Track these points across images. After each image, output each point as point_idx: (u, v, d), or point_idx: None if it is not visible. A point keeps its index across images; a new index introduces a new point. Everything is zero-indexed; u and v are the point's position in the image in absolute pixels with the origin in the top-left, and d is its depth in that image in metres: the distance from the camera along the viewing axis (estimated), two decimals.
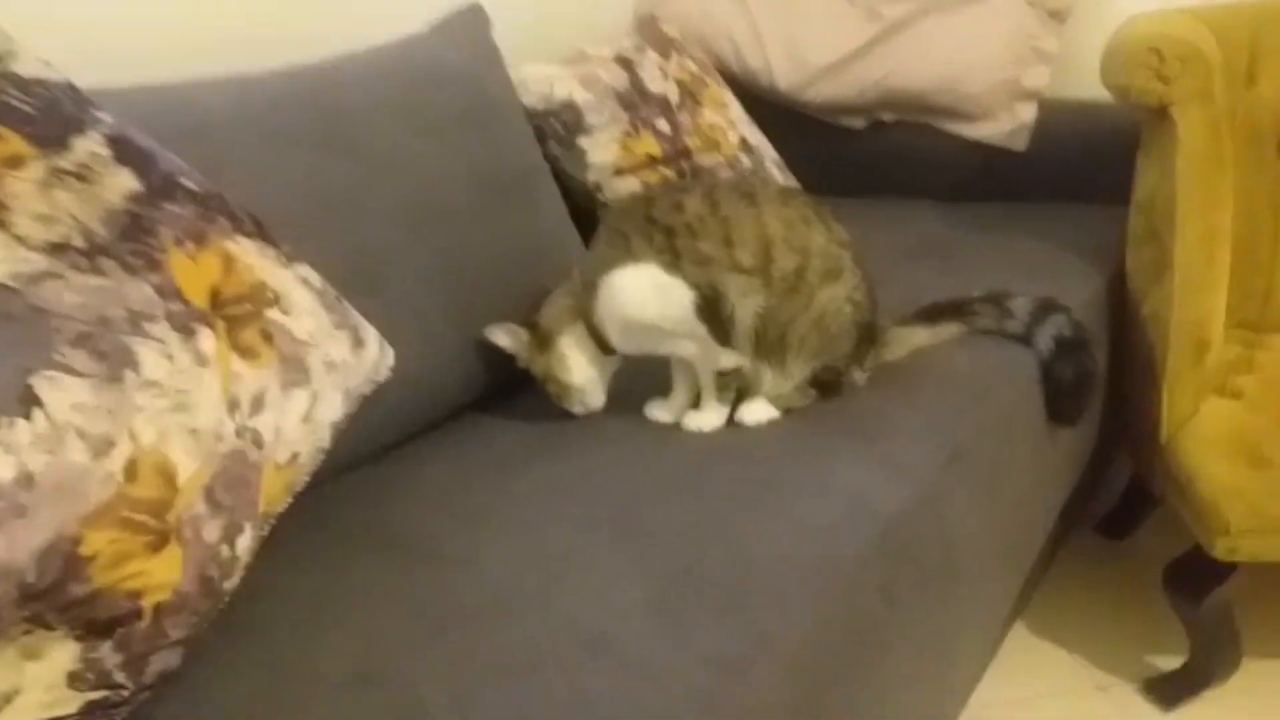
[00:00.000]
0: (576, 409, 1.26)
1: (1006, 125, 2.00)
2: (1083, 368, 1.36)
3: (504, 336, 1.25)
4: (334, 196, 1.18)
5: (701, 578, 0.92)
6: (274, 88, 1.21)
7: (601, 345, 1.23)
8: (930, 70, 2.01)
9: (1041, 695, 1.57)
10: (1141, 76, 1.46)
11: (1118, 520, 1.91)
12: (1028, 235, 1.78)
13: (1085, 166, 1.92)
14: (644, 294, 1.19)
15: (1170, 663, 1.58)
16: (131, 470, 0.81)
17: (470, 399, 1.30)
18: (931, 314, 1.39)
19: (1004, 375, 1.32)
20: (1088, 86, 1.73)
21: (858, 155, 2.09)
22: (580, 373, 1.24)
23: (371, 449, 1.17)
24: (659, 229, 1.19)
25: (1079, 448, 1.54)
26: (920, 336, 1.37)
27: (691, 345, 1.22)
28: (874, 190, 2.03)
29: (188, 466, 0.86)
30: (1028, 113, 1.99)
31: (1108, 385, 1.65)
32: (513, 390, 1.31)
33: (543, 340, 1.24)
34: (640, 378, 1.27)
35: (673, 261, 1.18)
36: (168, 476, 0.84)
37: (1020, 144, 1.98)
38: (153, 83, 1.14)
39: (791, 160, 1.96)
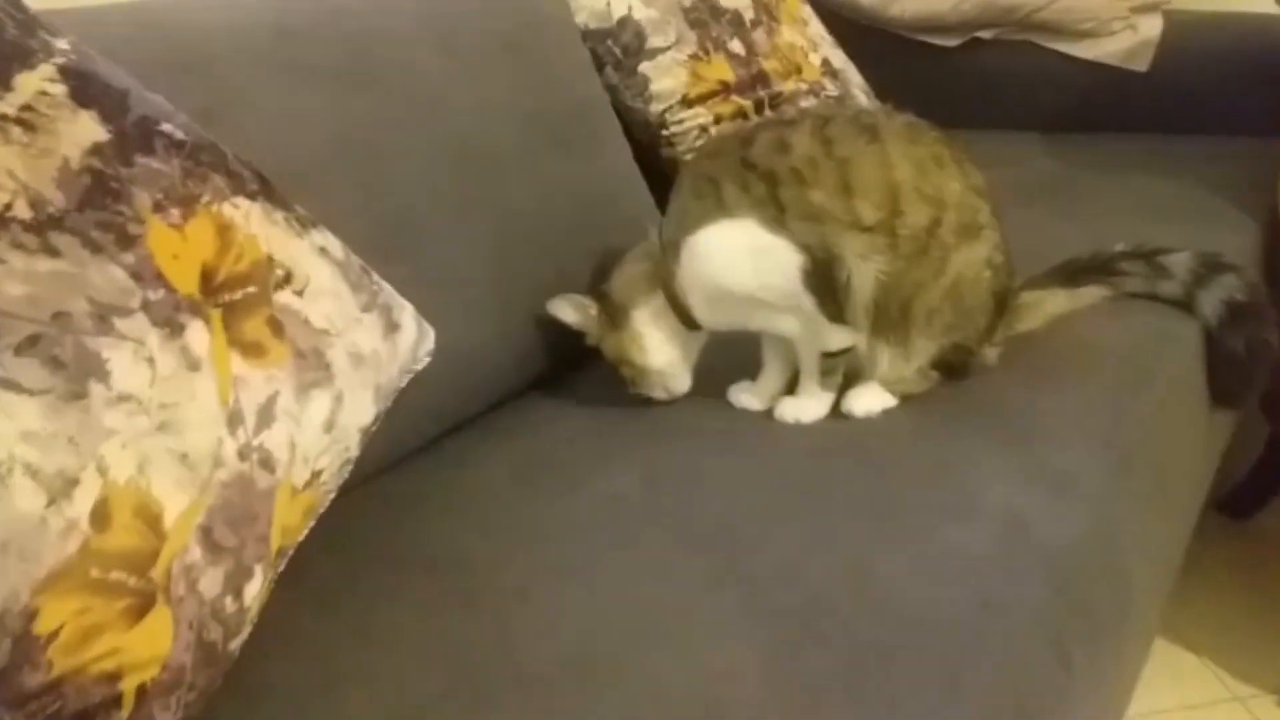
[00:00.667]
0: (657, 394, 1.06)
1: (1125, 42, 1.74)
2: (1258, 339, 1.13)
3: (569, 310, 1.05)
4: (358, 142, 0.97)
5: (827, 632, 0.73)
6: (276, 8, 1.00)
7: (685, 319, 1.03)
8: None
9: (1177, 709, 1.38)
10: None
11: (1243, 498, 1.69)
12: (1158, 173, 1.54)
13: (1221, 92, 1.67)
14: (739, 257, 0.98)
15: None
16: (102, 515, 0.62)
17: (524, 383, 1.10)
18: (1070, 274, 1.16)
19: (1166, 350, 1.10)
20: None
21: (952, 79, 1.84)
22: (659, 354, 1.03)
23: (406, 447, 0.98)
24: (758, 175, 0.97)
25: (1229, 426, 1.32)
26: (1058, 301, 1.14)
27: (794, 321, 1.00)
28: (971, 120, 1.73)
29: (177, 502, 0.67)
30: (1151, 27, 1.73)
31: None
32: (574, 370, 1.11)
33: (615, 315, 1.03)
34: (724, 352, 1.06)
35: (776, 216, 0.96)
36: (151, 519, 0.65)
37: (1143, 64, 1.73)
38: (128, 2, 0.92)
39: (876, 85, 1.71)
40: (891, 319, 0.99)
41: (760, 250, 0.97)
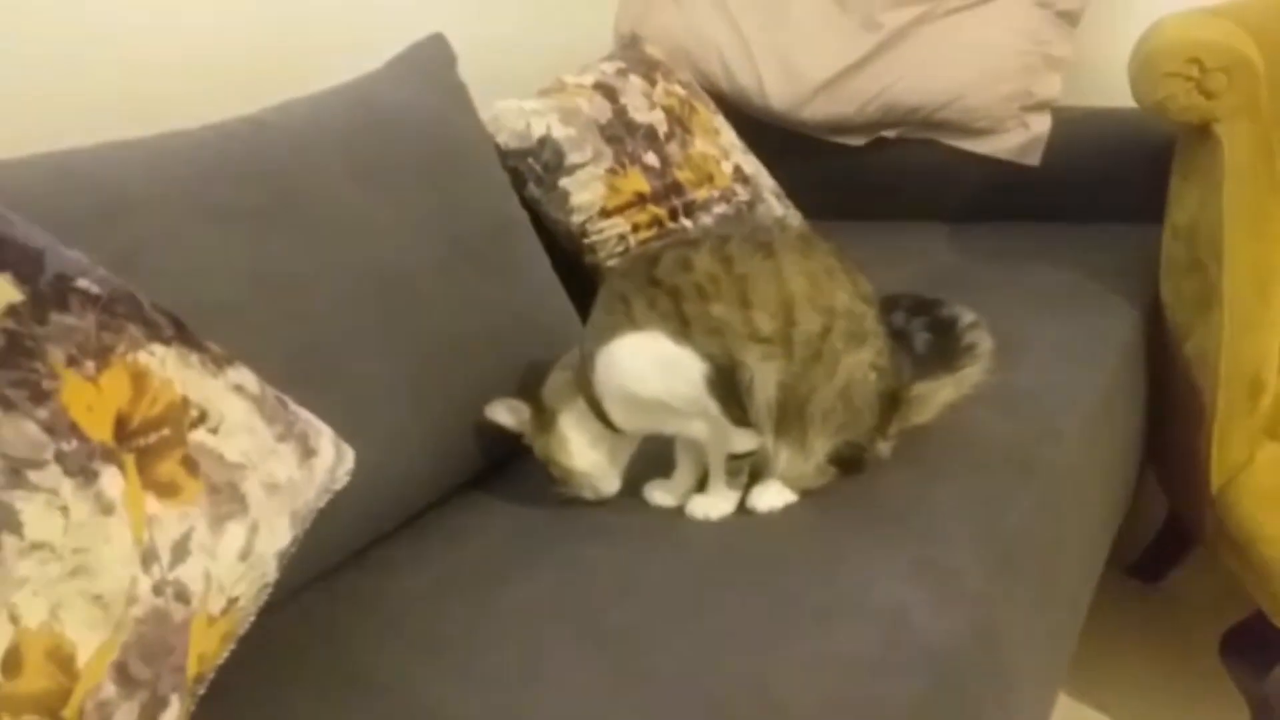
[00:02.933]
0: (586, 494, 1.10)
1: (1018, 139, 1.85)
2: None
3: (504, 413, 1.10)
4: (276, 277, 1.02)
5: None
6: (202, 149, 1.05)
7: (605, 423, 1.08)
8: (933, 82, 1.86)
9: None
10: (1182, 91, 1.31)
11: (1153, 563, 1.76)
12: (1050, 260, 1.63)
13: (1107, 181, 1.77)
14: (647, 366, 1.04)
15: None
16: (13, 661, 0.66)
17: (448, 489, 1.15)
18: (947, 361, 1.23)
19: (1047, 440, 1.16)
20: (1105, 93, 1.59)
21: (860, 175, 1.94)
22: (583, 456, 1.08)
23: (330, 560, 1.02)
24: (664, 291, 1.04)
25: (1122, 496, 1.39)
26: (946, 391, 1.21)
27: (702, 425, 1.06)
28: (878, 213, 1.88)
29: (90, 643, 0.70)
30: (1040, 124, 1.84)
31: (1146, 424, 1.51)
32: (497, 474, 1.16)
33: (544, 418, 1.09)
34: (641, 451, 1.12)
35: (681, 329, 1.03)
36: (63, 661, 0.68)
37: (1034, 159, 1.83)
38: (53, 152, 0.98)
39: (789, 183, 1.81)
40: (790, 420, 1.05)
41: (667, 360, 1.03)
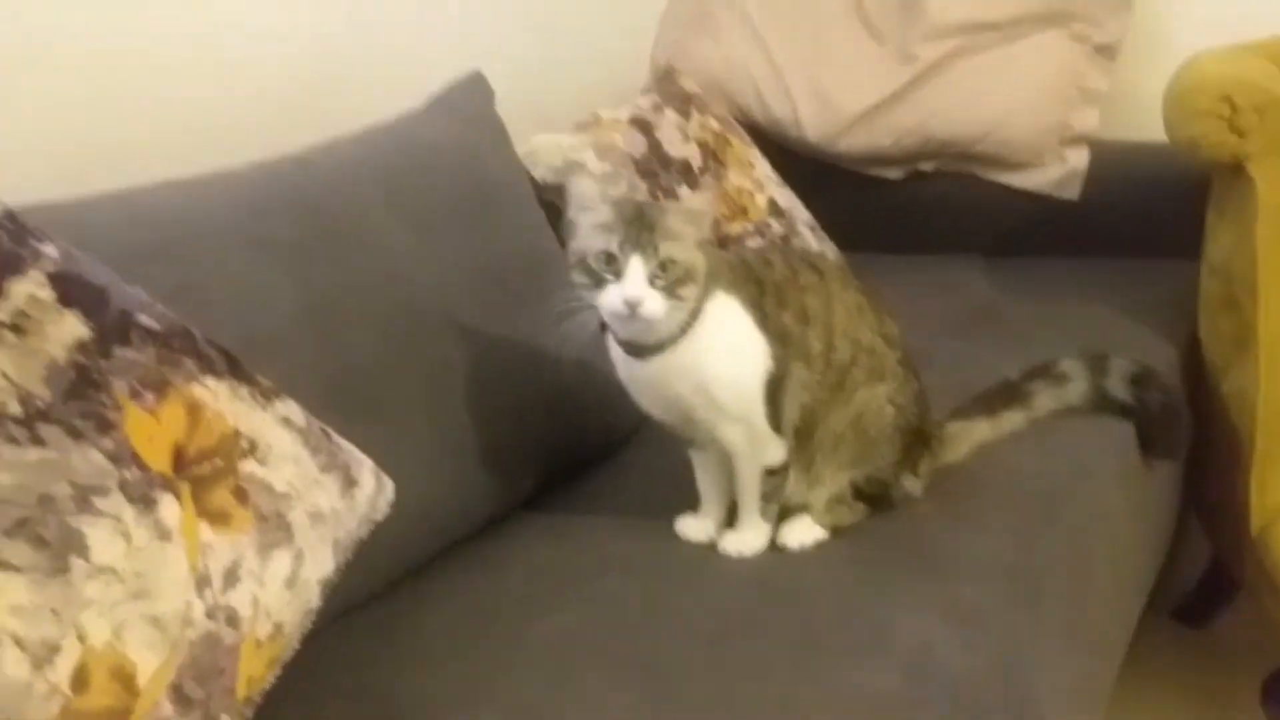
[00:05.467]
0: None
1: (1056, 173, 1.86)
2: (1166, 393, 1.25)
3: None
4: (320, 311, 1.05)
5: None
6: (251, 187, 1.10)
7: None
8: (970, 115, 1.88)
9: None
10: (1213, 129, 1.32)
11: (1197, 607, 1.74)
12: (1087, 296, 1.64)
13: (1147, 216, 1.77)
14: (728, 338, 1.02)
15: None
16: (81, 678, 0.69)
17: (481, 522, 1.17)
18: (989, 403, 1.25)
19: (1080, 481, 1.17)
20: (1143, 127, 1.60)
21: (896, 208, 1.96)
22: None
23: (370, 590, 1.05)
24: (752, 278, 1.05)
25: (1160, 538, 1.39)
26: (980, 431, 1.23)
27: (738, 430, 1.05)
28: (914, 246, 1.90)
29: (150, 663, 0.73)
30: (1079, 158, 1.85)
31: (1185, 465, 1.50)
32: (525, 511, 1.19)
33: None
34: (669, 485, 1.13)
35: (761, 321, 1.04)
36: (126, 679, 0.72)
37: (1072, 193, 1.84)
38: (115, 192, 1.02)
39: (824, 215, 1.83)
40: (800, 442, 1.07)
41: (745, 337, 1.03)
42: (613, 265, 0.96)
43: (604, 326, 1.04)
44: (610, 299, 0.96)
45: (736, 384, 1.03)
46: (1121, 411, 1.26)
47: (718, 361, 1.02)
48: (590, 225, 0.99)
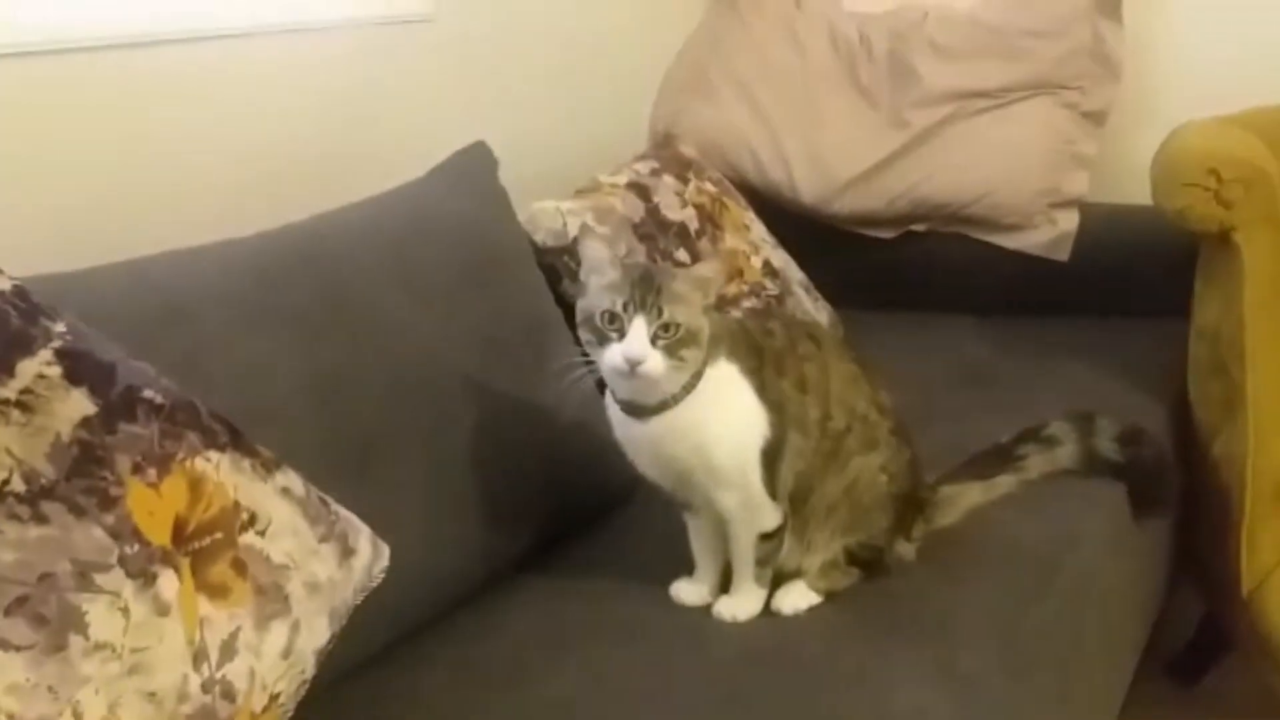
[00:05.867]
0: None
1: (1047, 235, 1.89)
2: (1154, 448, 1.28)
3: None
4: (323, 379, 1.07)
5: None
6: (259, 257, 1.12)
7: None
8: (963, 179, 1.91)
9: None
10: (1200, 201, 1.35)
11: (1190, 663, 1.74)
12: (1077, 356, 1.66)
13: (1136, 277, 1.80)
14: (729, 396, 1.04)
15: None
16: None
17: (478, 585, 1.18)
18: (981, 467, 1.26)
19: (1071, 548, 1.18)
20: (1132, 191, 1.63)
21: (888, 268, 1.98)
22: None
23: (363, 655, 1.05)
24: (753, 347, 1.07)
25: (1153, 598, 1.39)
26: (973, 495, 1.24)
27: (733, 495, 1.07)
28: (907, 305, 1.92)
29: None
30: (1069, 221, 1.88)
31: (1176, 524, 1.51)
32: (522, 575, 1.20)
33: None
34: (664, 548, 1.14)
35: (760, 388, 1.06)
36: None
37: (1062, 254, 1.87)
38: (124, 261, 1.05)
39: (818, 275, 1.85)
40: (794, 508, 1.08)
41: (744, 404, 1.04)
42: (616, 324, 0.98)
43: (603, 387, 1.06)
44: (612, 356, 0.98)
45: (734, 449, 1.05)
46: (1112, 470, 1.28)
47: (716, 425, 1.04)
48: (599, 286, 1.01)
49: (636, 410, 1.04)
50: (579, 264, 1.51)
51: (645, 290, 0.98)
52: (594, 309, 1.00)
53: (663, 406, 1.02)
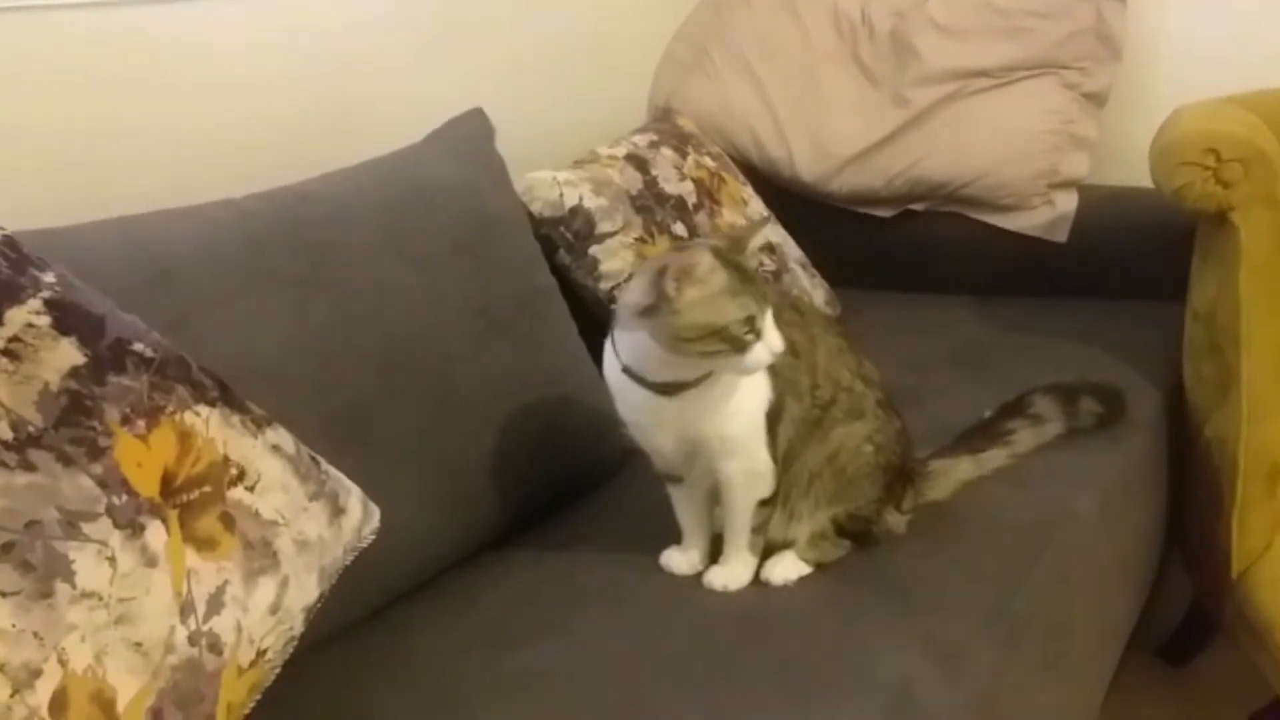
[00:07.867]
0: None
1: (1045, 216, 1.88)
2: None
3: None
4: (315, 342, 1.07)
5: None
6: (251, 218, 1.11)
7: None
8: (962, 159, 1.90)
9: None
10: (1198, 180, 1.35)
11: (1180, 645, 1.75)
12: (1073, 337, 1.66)
13: (1133, 259, 1.80)
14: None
15: None
16: (60, 703, 0.70)
17: (468, 550, 1.18)
18: (972, 442, 1.26)
19: (1062, 521, 1.18)
20: (1132, 173, 1.62)
21: (887, 246, 1.98)
22: None
23: (353, 616, 1.05)
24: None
25: (1143, 577, 1.40)
26: (964, 469, 1.24)
27: (737, 464, 1.06)
28: (904, 284, 1.92)
29: (129, 687, 0.74)
30: (1067, 202, 1.87)
31: (1169, 506, 1.52)
32: (513, 541, 1.19)
33: None
34: (655, 518, 1.14)
35: None
36: (105, 704, 0.73)
37: (1060, 235, 1.86)
38: (117, 219, 1.04)
39: (817, 252, 1.85)
40: (779, 476, 1.08)
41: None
42: (753, 326, 0.96)
43: (624, 369, 1.03)
44: (758, 356, 0.97)
45: (749, 416, 1.05)
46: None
47: (737, 394, 1.04)
48: (706, 297, 0.96)
49: (670, 389, 1.02)
50: (574, 235, 1.54)
51: (753, 283, 0.98)
52: (726, 320, 0.95)
53: (698, 380, 1.01)
